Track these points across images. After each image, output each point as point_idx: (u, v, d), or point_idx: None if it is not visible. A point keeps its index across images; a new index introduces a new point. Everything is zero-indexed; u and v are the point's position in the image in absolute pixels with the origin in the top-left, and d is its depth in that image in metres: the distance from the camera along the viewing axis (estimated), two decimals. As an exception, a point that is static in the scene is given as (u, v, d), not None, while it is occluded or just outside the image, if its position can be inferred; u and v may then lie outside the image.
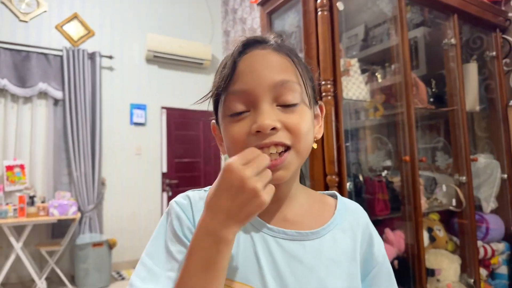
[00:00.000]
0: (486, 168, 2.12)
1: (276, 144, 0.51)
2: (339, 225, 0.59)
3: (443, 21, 2.09)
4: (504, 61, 2.23)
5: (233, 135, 0.52)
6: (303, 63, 0.58)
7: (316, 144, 0.59)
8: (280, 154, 0.51)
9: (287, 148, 0.52)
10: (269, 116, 0.50)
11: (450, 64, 2.05)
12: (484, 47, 2.28)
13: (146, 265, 0.52)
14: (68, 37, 4.08)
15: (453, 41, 2.01)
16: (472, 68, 2.12)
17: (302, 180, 0.65)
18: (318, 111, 0.61)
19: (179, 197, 0.58)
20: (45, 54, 3.89)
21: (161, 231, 0.55)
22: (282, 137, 0.51)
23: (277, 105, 0.52)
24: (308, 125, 0.54)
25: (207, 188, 0.60)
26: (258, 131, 0.50)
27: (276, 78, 0.52)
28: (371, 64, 2.30)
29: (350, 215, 0.62)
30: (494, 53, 2.22)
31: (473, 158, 2.03)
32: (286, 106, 0.52)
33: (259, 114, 0.51)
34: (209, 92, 0.57)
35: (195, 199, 0.57)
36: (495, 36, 2.22)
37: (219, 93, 0.55)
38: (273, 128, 0.50)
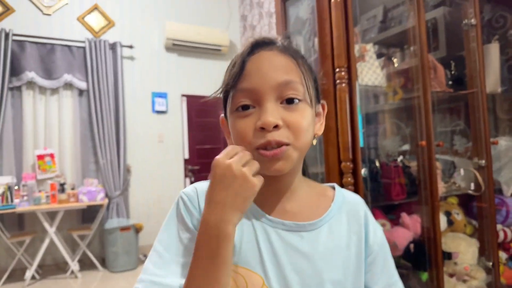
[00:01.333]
0: (507, 151, 2.08)
1: (278, 143, 0.55)
2: (335, 216, 0.63)
3: (463, 1, 2.03)
4: (528, 40, 2.16)
5: (240, 130, 0.57)
6: (307, 65, 0.61)
7: (315, 141, 0.62)
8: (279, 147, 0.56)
9: (286, 144, 0.56)
10: (273, 113, 0.54)
11: (471, 45, 2.00)
12: (507, 26, 2.20)
13: (158, 252, 0.57)
14: (89, 29, 4.19)
15: (473, 21, 1.96)
16: (493, 49, 2.06)
17: (305, 173, 0.69)
18: (320, 109, 0.65)
19: (187, 189, 0.63)
20: (68, 46, 4.02)
21: (171, 219, 0.61)
22: (283, 135, 0.55)
23: (280, 103, 0.56)
24: (308, 122, 0.58)
25: None
26: (262, 128, 0.54)
27: (280, 78, 0.56)
28: (390, 46, 2.27)
29: (348, 207, 0.65)
30: (518, 32, 2.14)
31: (493, 141, 2.00)
32: (289, 104, 0.56)
33: (264, 111, 0.55)
34: (219, 89, 0.61)
35: (202, 190, 0.62)
36: (519, 14, 2.14)
37: (228, 90, 0.59)
38: (276, 126, 0.54)
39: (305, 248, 0.59)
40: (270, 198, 0.62)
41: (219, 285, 0.50)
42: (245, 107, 0.56)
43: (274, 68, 0.56)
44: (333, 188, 0.69)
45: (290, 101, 0.56)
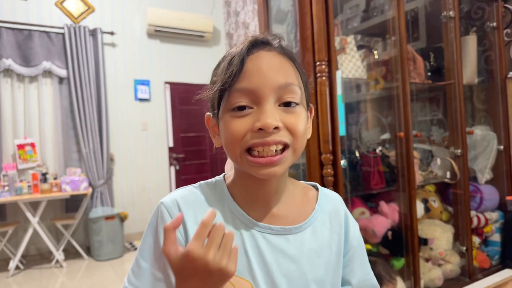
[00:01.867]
0: (482, 140, 2.16)
1: (277, 143, 0.54)
2: (319, 218, 0.65)
3: (443, -8, 2.06)
4: (505, 31, 2.21)
5: (234, 129, 0.55)
6: (302, 68, 0.61)
7: None
8: (276, 151, 0.55)
9: (285, 146, 0.56)
10: (272, 115, 0.53)
11: (449, 37, 2.04)
12: (485, 17, 2.25)
13: (137, 260, 0.59)
14: (68, 14, 4.07)
15: (452, 13, 1.99)
16: (471, 41, 2.11)
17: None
18: (309, 113, 0.65)
19: (167, 199, 0.61)
20: (47, 32, 3.90)
21: (150, 229, 0.60)
22: (283, 136, 0.55)
23: (279, 105, 0.55)
24: (305, 125, 0.58)
25: (196, 184, 0.66)
26: (260, 129, 0.53)
27: (281, 81, 0.55)
28: (372, 36, 2.29)
29: (329, 207, 0.67)
30: (494, 24, 2.19)
31: (469, 131, 2.07)
32: (287, 107, 0.56)
33: (263, 113, 0.53)
34: (214, 87, 0.58)
35: (182, 200, 0.61)
36: (497, 6, 2.19)
37: (224, 89, 0.56)
38: (275, 128, 0.54)
39: (291, 251, 0.60)
40: (257, 202, 0.62)
41: None
42: (242, 108, 0.55)
43: (275, 70, 0.55)
44: (316, 188, 0.70)
45: (288, 104, 0.56)
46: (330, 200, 0.69)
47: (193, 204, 0.60)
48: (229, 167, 0.76)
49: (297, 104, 0.57)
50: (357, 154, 1.85)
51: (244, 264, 0.58)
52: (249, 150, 0.55)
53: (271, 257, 0.59)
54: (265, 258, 0.59)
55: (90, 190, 3.80)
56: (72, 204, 3.96)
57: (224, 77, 0.56)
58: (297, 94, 0.57)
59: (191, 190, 0.64)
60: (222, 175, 0.69)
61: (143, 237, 0.61)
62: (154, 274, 0.57)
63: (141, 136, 4.46)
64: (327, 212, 0.66)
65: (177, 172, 4.62)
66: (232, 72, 0.55)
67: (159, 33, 4.48)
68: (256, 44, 0.57)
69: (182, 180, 4.64)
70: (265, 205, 0.62)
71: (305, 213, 0.64)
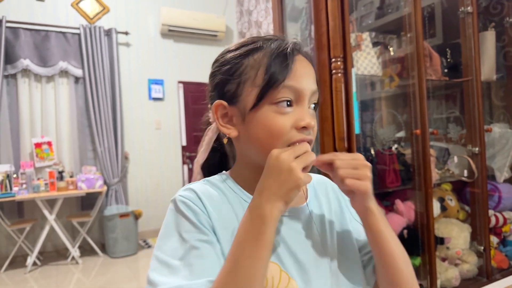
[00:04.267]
0: (501, 138, 2.11)
1: (310, 140, 0.61)
2: (316, 194, 0.73)
3: (460, -13, 2.02)
4: (524, 27, 2.16)
5: (279, 125, 0.58)
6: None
7: None
8: None
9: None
10: (312, 116, 0.61)
11: (467, 33, 2.00)
12: (504, 12, 2.20)
13: (163, 261, 0.54)
14: (84, 15, 4.13)
15: (469, 9, 1.95)
16: (489, 37, 2.07)
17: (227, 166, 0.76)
18: None
19: (183, 192, 0.61)
20: (63, 33, 3.97)
21: (170, 227, 0.58)
22: (311, 134, 0.62)
23: (308, 107, 0.63)
24: None
25: (204, 179, 0.67)
26: (303, 127, 0.59)
27: (314, 87, 0.62)
28: (387, 33, 2.27)
29: (317, 185, 0.75)
30: (514, 19, 2.14)
31: (487, 128, 2.02)
32: (312, 110, 0.64)
33: (305, 113, 0.60)
34: (269, 79, 0.58)
35: (200, 190, 0.61)
36: (516, 0, 2.14)
37: (271, 83, 0.58)
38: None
39: (306, 229, 0.65)
40: None
41: (264, 265, 0.52)
42: (287, 103, 0.59)
43: (311, 76, 0.62)
44: None
45: (314, 106, 0.64)
46: (319, 181, 0.76)
47: (209, 193, 0.62)
48: (197, 175, 0.78)
49: (317, 106, 0.65)
50: (372, 152, 1.83)
51: None
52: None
53: (291, 239, 0.62)
54: (285, 240, 0.61)
55: (105, 188, 3.85)
56: (87, 202, 4.03)
57: (275, 72, 0.58)
58: (318, 98, 0.65)
59: (204, 184, 0.65)
60: (222, 172, 0.71)
61: (164, 240, 0.58)
62: (192, 266, 0.53)
63: (155, 135, 4.50)
64: (318, 189, 0.74)
65: (190, 170, 4.65)
66: (286, 69, 0.58)
67: (173, 33, 4.52)
68: (295, 48, 0.62)
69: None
70: None
71: (302, 194, 0.69)
